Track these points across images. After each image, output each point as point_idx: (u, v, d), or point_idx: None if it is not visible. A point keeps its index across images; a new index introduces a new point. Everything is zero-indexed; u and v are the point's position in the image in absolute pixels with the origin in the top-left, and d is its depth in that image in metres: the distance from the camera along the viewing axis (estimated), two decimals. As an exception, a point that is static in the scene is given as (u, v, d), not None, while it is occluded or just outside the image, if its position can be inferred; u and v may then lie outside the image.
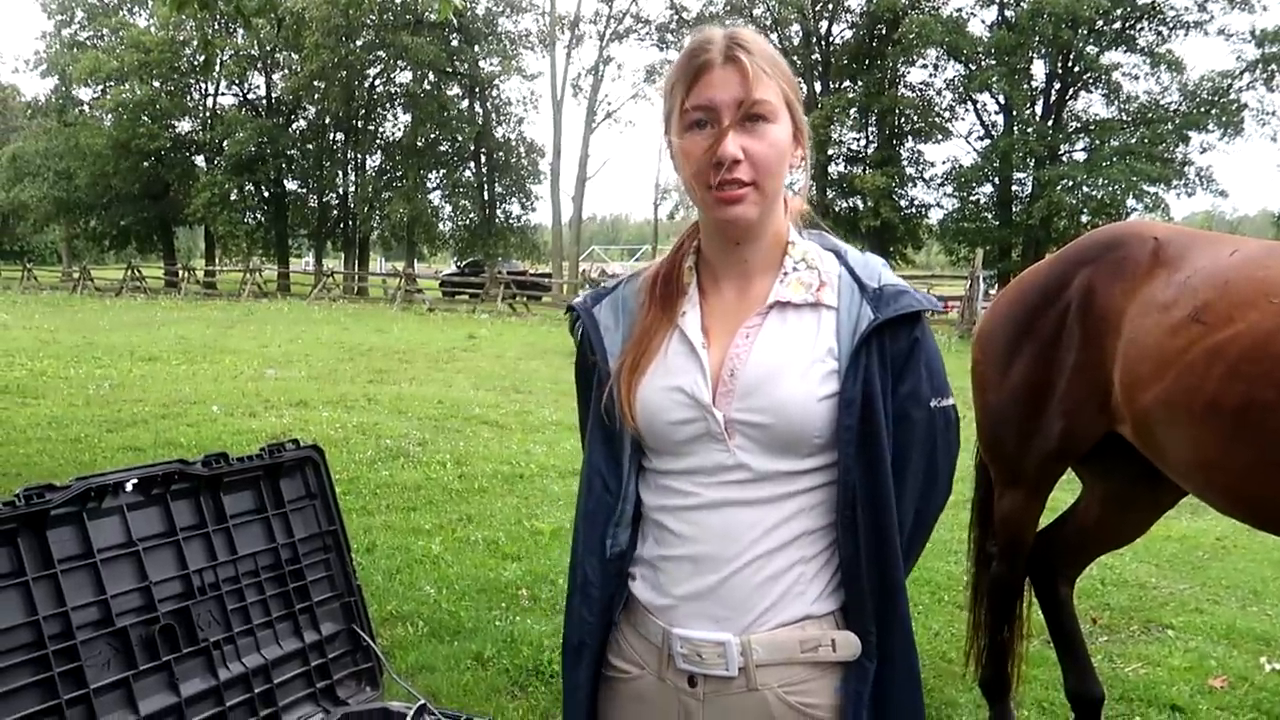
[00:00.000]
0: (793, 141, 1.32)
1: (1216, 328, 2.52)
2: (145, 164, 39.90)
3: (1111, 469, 3.05)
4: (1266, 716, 3.51)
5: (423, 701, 2.31)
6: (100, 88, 40.70)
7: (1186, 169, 31.59)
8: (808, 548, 1.32)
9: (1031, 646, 4.01)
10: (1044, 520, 3.25)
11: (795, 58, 36.24)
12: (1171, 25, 31.68)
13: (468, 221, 41.78)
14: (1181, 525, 5.83)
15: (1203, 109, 31.16)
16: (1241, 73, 30.79)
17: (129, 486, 2.12)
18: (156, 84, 39.94)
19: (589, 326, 1.42)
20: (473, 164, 42.14)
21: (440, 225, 41.95)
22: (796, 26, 36.00)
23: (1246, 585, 5.01)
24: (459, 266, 40.32)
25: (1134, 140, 31.09)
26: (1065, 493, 3.54)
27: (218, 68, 40.41)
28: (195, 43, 38.03)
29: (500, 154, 41.52)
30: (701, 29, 1.32)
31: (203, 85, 41.70)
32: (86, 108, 41.78)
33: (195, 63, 39.87)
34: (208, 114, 41.84)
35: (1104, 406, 2.79)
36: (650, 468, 1.38)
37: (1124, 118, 32.49)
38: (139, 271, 37.54)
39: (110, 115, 39.80)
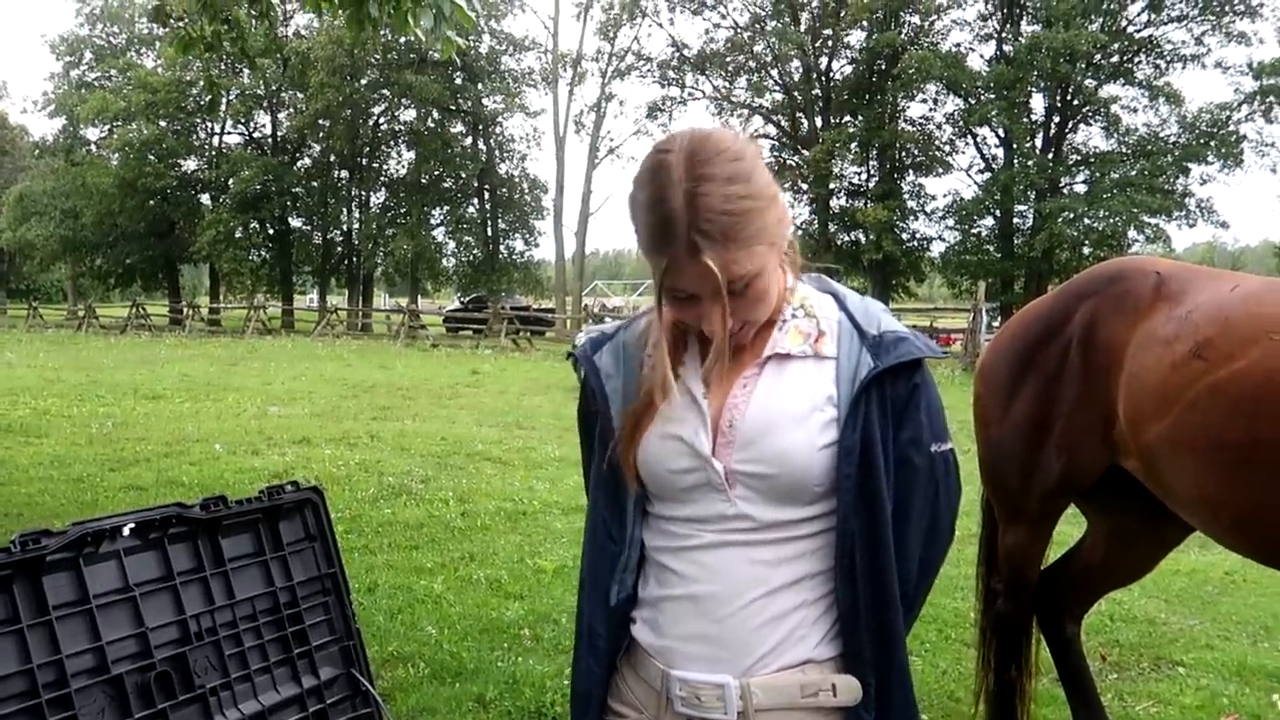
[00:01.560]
0: (777, 231, 1.27)
1: (1218, 364, 2.51)
2: (151, 202, 40.25)
3: (1115, 505, 3.03)
4: (1280, 756, 3.45)
5: (421, 748, 2.28)
6: (107, 127, 41.16)
7: (1187, 200, 31.74)
8: (809, 592, 1.30)
9: (1040, 685, 3.96)
10: (1051, 555, 3.22)
11: (796, 93, 36.58)
12: (1169, 59, 31.99)
13: (471, 257, 42.01)
14: (1190, 560, 5.78)
15: (1202, 140, 31.35)
16: (1240, 104, 31.02)
17: (126, 531, 2.11)
18: (163, 123, 40.38)
19: (590, 373, 1.41)
20: (476, 200, 42.46)
21: (444, 261, 42.18)
22: (797, 62, 36.35)
23: (1257, 620, 4.95)
24: (462, 302, 40.46)
25: (1134, 172, 31.26)
26: (1071, 526, 3.51)
27: (223, 107, 40.85)
28: (201, 83, 38.45)
29: (503, 190, 41.83)
30: (652, 173, 1.23)
31: (208, 124, 42.15)
32: (93, 147, 42.24)
33: (201, 102, 40.25)
34: (213, 153, 42.25)
35: (1106, 440, 2.78)
36: (653, 512, 1.37)
37: (1124, 150, 32.69)
38: (144, 309, 37.70)
39: (117, 154, 40.23)
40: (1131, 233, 30.88)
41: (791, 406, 1.29)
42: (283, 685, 2.34)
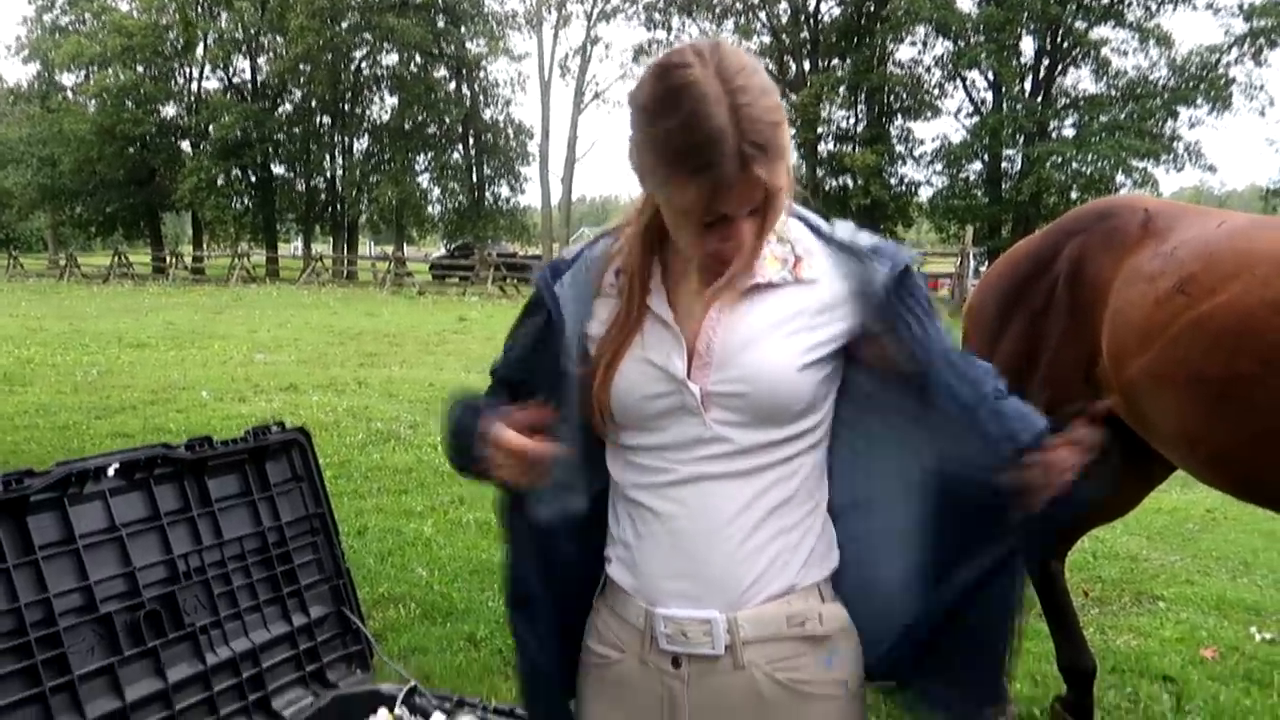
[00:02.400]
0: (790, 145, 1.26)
1: (1200, 299, 2.51)
2: (130, 150, 39.59)
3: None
4: (1257, 685, 3.52)
5: (413, 683, 2.30)
6: (83, 73, 40.34)
7: (1175, 144, 31.60)
8: (787, 516, 1.28)
9: (1025, 620, 4.03)
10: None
11: (784, 35, 36.09)
12: (1160, 0, 31.62)
13: (456, 204, 41.60)
14: (1172, 498, 5.85)
15: (1191, 84, 31.12)
16: (1230, 47, 30.74)
17: (111, 471, 2.10)
18: (140, 69, 39.59)
19: (551, 304, 1.34)
20: (461, 146, 41.94)
21: (429, 208, 41.76)
22: (784, 4, 35.83)
23: (1236, 556, 5.03)
24: (449, 249, 40.15)
25: (1123, 116, 31.05)
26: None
27: (201, 51, 40.07)
28: (177, 26, 37.72)
29: (488, 136, 41.31)
30: (680, 93, 1.14)
31: (187, 70, 41.35)
32: (70, 93, 41.40)
33: (178, 46, 39.54)
34: (192, 99, 41.48)
35: (1090, 377, 2.78)
36: (621, 444, 1.32)
37: (1113, 93, 32.44)
38: (126, 258, 37.29)
39: (94, 101, 39.45)
40: (1119, 177, 30.76)
41: (772, 327, 1.26)
42: (273, 623, 2.35)
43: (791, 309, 1.27)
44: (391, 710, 2.24)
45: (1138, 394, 2.64)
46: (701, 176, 1.14)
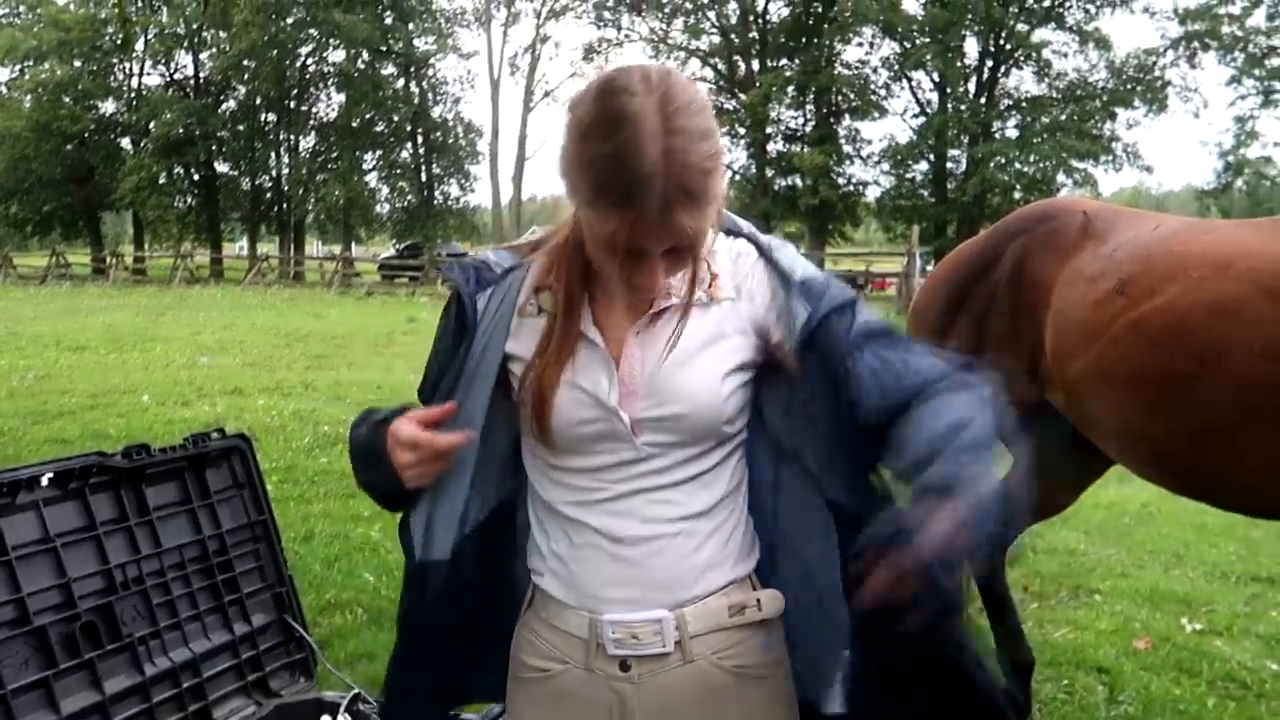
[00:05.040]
0: (722, 184, 1.22)
1: (1139, 301, 2.60)
2: (68, 147, 38.63)
3: (1042, 439, 3.12)
4: (1187, 674, 3.63)
5: (356, 690, 2.29)
6: (18, 68, 39.27)
7: (1114, 145, 32.40)
8: (718, 516, 1.30)
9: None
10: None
11: (733, 35, 36.30)
12: (1099, 3, 32.33)
13: (405, 203, 41.22)
14: (1109, 493, 5.99)
15: (1129, 86, 31.91)
16: (1165, 50, 31.58)
17: (45, 481, 2.07)
18: (78, 64, 38.63)
19: (470, 313, 1.31)
20: (409, 145, 41.55)
21: (377, 207, 41.33)
22: (734, 4, 36.04)
23: (1169, 550, 5.17)
24: (398, 249, 39.77)
25: (1063, 117, 31.75)
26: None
27: (141, 47, 39.23)
28: (115, 21, 36.91)
29: (437, 134, 40.98)
30: (618, 121, 1.10)
31: (127, 65, 40.45)
32: (3, 89, 40.32)
33: (117, 41, 38.67)
34: (132, 95, 40.56)
35: (1034, 376, 2.86)
36: (550, 463, 1.31)
37: (1054, 95, 33.14)
38: (64, 258, 36.41)
39: (29, 96, 38.44)
40: (1060, 177, 31.48)
41: (695, 350, 1.26)
42: (214, 633, 2.32)
43: (710, 331, 1.27)
44: (334, 718, 2.23)
45: (1080, 392, 2.72)
46: (624, 211, 1.12)
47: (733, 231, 1.34)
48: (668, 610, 1.28)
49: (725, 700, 1.31)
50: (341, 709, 2.25)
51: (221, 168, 41.08)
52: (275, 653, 2.43)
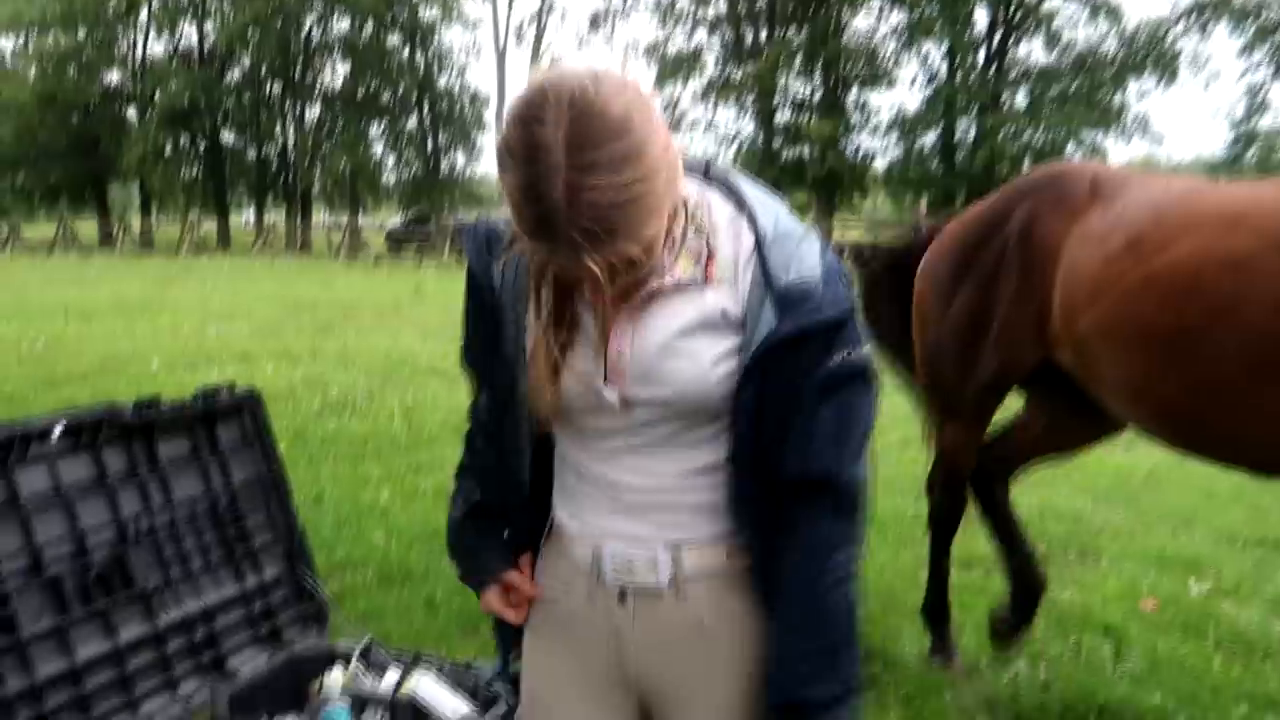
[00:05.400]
0: (670, 188, 1.12)
1: (1149, 256, 2.60)
2: (73, 117, 38.53)
3: (1049, 396, 3.14)
4: (1194, 635, 3.64)
5: (369, 637, 2.31)
6: (21, 38, 39.09)
7: (1124, 115, 32.08)
8: (717, 475, 1.30)
9: (972, 577, 4.12)
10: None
11: (741, 3, 35.91)
12: (1110, -31, 31.92)
13: (412, 173, 41.10)
14: (1117, 458, 5.99)
15: (1139, 56, 31.53)
16: (1177, 20, 31.17)
17: (56, 434, 2.07)
18: (82, 33, 38.43)
19: (484, 281, 1.32)
20: (415, 114, 41.36)
21: (384, 177, 41.23)
22: (742, -29, 35.64)
23: (1177, 513, 5.17)
24: (404, 218, 39.70)
25: (1073, 87, 31.44)
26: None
27: (145, 15, 38.97)
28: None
29: (443, 104, 40.80)
30: (525, 148, 1.05)
31: (131, 34, 40.23)
32: (8, 59, 40.16)
33: (121, 10, 38.41)
34: (138, 65, 40.38)
35: (1041, 334, 2.86)
36: (554, 422, 1.34)
37: (1064, 65, 32.78)
38: (72, 228, 36.40)
39: (34, 67, 38.28)
40: (1070, 147, 31.19)
41: (684, 335, 1.23)
42: (226, 585, 2.34)
43: (701, 314, 1.23)
44: (347, 665, 2.25)
45: (1088, 348, 2.72)
46: (538, 243, 1.09)
47: (742, 204, 1.27)
48: (665, 550, 1.31)
49: (715, 642, 1.33)
50: (355, 657, 2.27)
51: (227, 138, 40.98)
52: (287, 605, 2.45)
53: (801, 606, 1.28)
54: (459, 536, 1.48)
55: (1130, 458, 6.06)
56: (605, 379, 1.25)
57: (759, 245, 1.23)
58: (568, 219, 1.04)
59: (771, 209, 1.26)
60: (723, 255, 1.24)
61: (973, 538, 4.03)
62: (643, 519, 1.31)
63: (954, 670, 3.28)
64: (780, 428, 1.24)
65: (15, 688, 1.86)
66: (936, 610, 3.37)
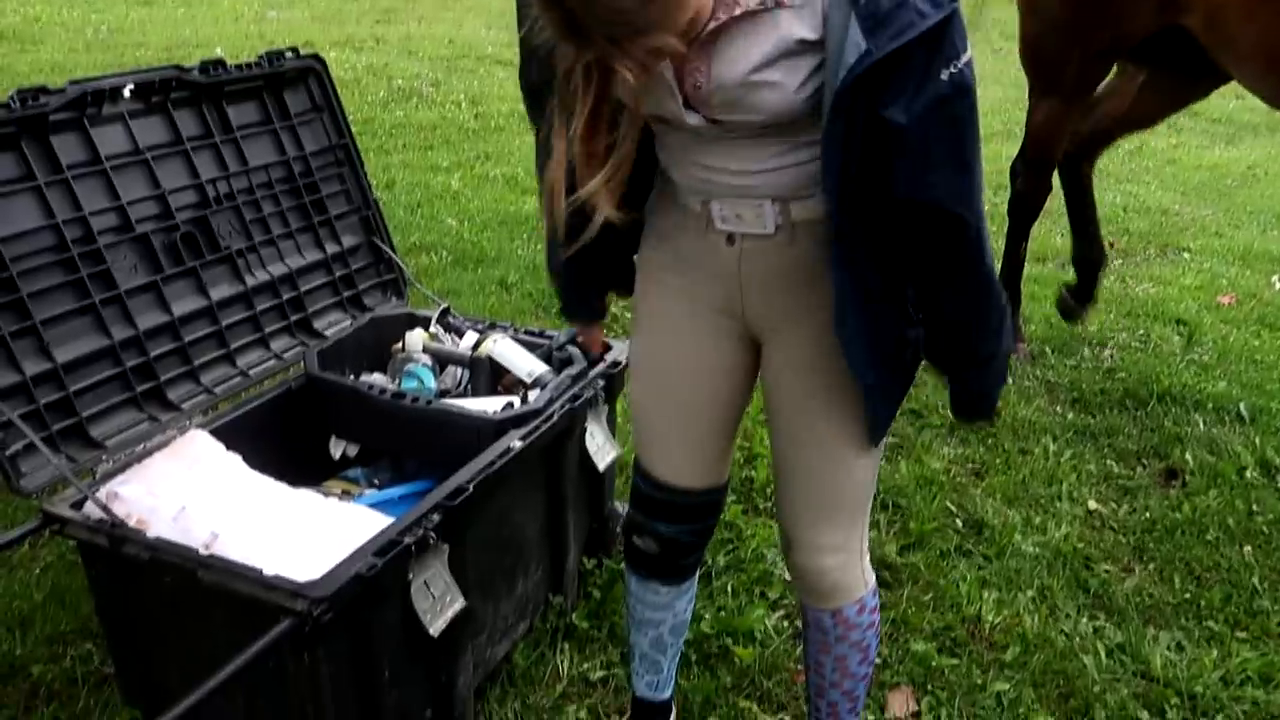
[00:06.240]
0: None
1: None
2: None
3: (1156, 59, 2.98)
4: (1269, 329, 3.60)
5: (445, 305, 2.39)
6: None
7: None
8: (810, 164, 1.28)
9: (1045, 269, 4.07)
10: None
11: None
12: None
13: None
14: (1214, 155, 5.70)
15: None
16: None
17: (126, 92, 2.06)
18: None
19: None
20: None
21: None
22: None
23: (1271, 210, 4.97)
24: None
25: None
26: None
27: None
28: None
29: None
30: None
31: None
32: None
33: None
34: None
35: (1167, 2, 2.67)
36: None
37: None
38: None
39: None
40: None
41: (761, 69, 1.17)
42: (307, 250, 2.40)
43: (776, 45, 1.16)
44: (427, 329, 2.34)
45: (1224, 13, 2.55)
46: (566, 45, 1.13)
47: None
48: (771, 203, 1.32)
49: (820, 284, 1.33)
50: (433, 320, 2.36)
51: None
52: (366, 273, 2.52)
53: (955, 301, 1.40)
54: (562, 268, 1.58)
55: (1229, 154, 5.76)
56: (686, 106, 1.24)
57: None
58: (589, 20, 1.05)
59: None
60: None
61: (1048, 233, 3.95)
62: (747, 185, 1.32)
63: (1020, 356, 3.32)
64: (882, 160, 1.17)
65: (119, 336, 1.97)
66: (1008, 296, 3.37)
